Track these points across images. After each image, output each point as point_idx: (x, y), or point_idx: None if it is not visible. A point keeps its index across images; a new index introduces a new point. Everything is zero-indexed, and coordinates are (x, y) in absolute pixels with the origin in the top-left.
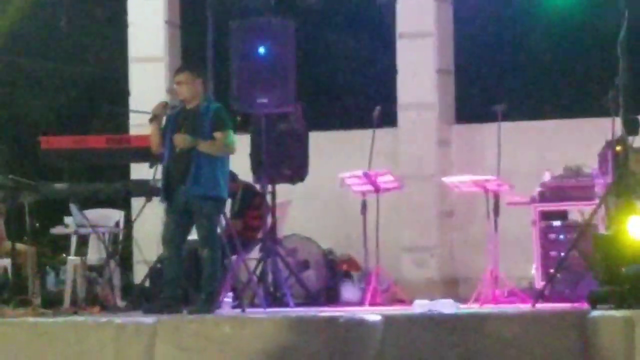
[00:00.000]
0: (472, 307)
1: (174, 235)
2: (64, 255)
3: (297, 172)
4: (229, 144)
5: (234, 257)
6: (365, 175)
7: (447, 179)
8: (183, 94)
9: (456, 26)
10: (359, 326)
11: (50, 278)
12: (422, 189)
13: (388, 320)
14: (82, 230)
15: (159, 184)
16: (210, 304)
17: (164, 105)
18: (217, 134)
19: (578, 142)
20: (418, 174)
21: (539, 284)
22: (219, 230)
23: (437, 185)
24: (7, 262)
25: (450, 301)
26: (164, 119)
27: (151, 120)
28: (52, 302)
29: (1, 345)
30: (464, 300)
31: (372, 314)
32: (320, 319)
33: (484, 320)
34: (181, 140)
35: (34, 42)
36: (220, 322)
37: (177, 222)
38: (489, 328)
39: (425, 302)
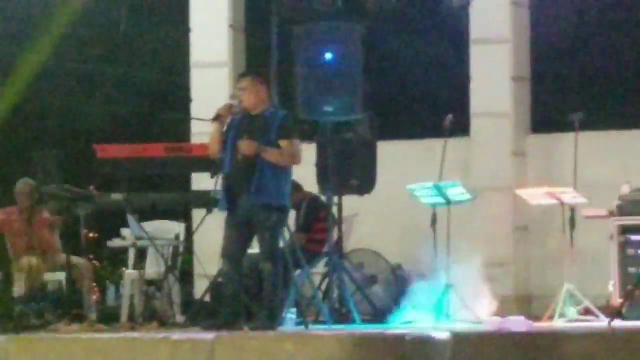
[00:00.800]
0: (545, 325)
1: (234, 248)
2: (124, 269)
3: (365, 183)
4: (295, 153)
5: (297, 272)
6: (435, 186)
7: (522, 191)
8: (245, 100)
9: (532, 31)
10: (426, 344)
11: (110, 292)
12: (496, 201)
13: (457, 337)
14: (140, 243)
15: (221, 195)
16: (272, 320)
17: (230, 106)
18: (283, 142)
19: None
20: (491, 185)
21: (616, 301)
22: (281, 243)
23: (512, 197)
24: (61, 275)
25: (522, 318)
26: (227, 123)
27: (214, 119)
28: (110, 317)
29: None
30: (536, 318)
31: (440, 332)
32: (386, 337)
33: (558, 339)
34: (246, 146)
35: (92, 46)
36: (282, 339)
37: (238, 234)
38: (562, 346)
39: (497, 319)
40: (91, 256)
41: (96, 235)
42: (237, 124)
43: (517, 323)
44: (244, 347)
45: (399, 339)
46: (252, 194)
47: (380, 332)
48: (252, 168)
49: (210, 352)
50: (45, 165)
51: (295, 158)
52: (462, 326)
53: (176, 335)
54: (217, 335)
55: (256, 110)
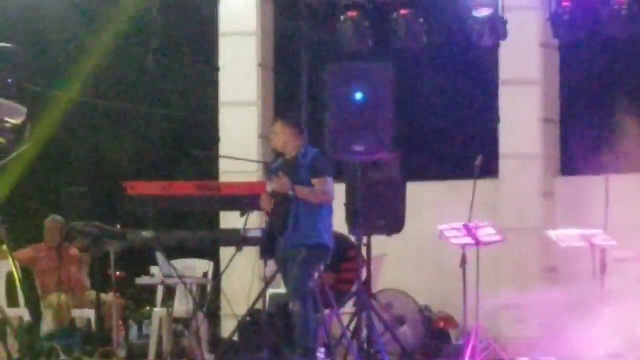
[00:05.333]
0: None
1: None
2: (148, 308)
3: (394, 223)
4: (327, 191)
5: (326, 312)
6: (466, 227)
7: (552, 233)
8: (276, 143)
9: (562, 74)
10: None
11: (133, 332)
12: (525, 243)
13: None
14: (169, 281)
15: (250, 234)
16: (305, 358)
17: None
18: (315, 181)
19: None
20: (520, 227)
21: None
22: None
23: (541, 239)
24: (90, 313)
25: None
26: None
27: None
28: (136, 356)
29: None
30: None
31: None
32: None
33: None
34: (278, 183)
35: (120, 84)
36: None
37: (285, 275)
38: None
39: None
40: (117, 294)
41: (123, 273)
42: (275, 170)
43: None
44: None
45: None
46: (289, 234)
47: None
48: (288, 209)
49: None
50: (73, 202)
51: (327, 196)
52: None
53: None
54: None
55: (290, 153)
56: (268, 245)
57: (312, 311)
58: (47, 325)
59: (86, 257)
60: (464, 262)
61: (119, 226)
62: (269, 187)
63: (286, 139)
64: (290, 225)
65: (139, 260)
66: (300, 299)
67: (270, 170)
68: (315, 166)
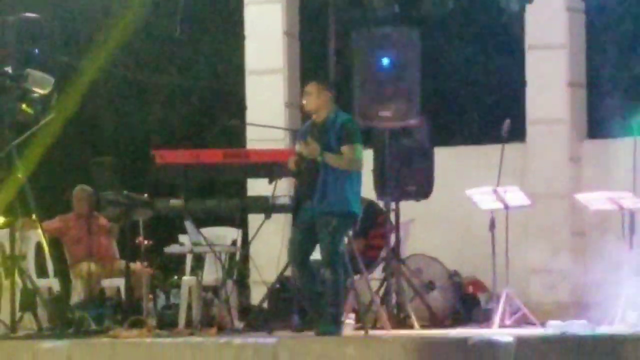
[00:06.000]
0: (607, 330)
1: (297, 251)
2: (175, 277)
3: (422, 189)
4: (355, 158)
5: (356, 277)
6: (494, 191)
7: (580, 196)
8: (309, 105)
9: (588, 37)
10: (490, 348)
11: (161, 301)
12: (553, 207)
13: (520, 341)
14: (198, 249)
15: (278, 201)
16: (335, 325)
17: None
18: (344, 148)
19: None
20: (548, 191)
21: None
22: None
23: (569, 203)
24: (119, 282)
25: (584, 322)
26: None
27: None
28: (165, 324)
29: None
30: (596, 324)
31: (503, 335)
32: (449, 341)
33: (621, 343)
34: (307, 148)
35: (148, 55)
36: (345, 343)
37: (302, 237)
38: (626, 351)
39: (559, 323)
40: (145, 263)
41: (150, 242)
42: (303, 133)
43: (581, 327)
44: (306, 352)
45: (463, 342)
46: (316, 201)
47: (443, 336)
48: (316, 174)
49: (273, 356)
50: (101, 172)
51: (354, 163)
52: (523, 331)
53: (238, 340)
54: (279, 339)
55: (320, 116)
56: (298, 211)
57: (341, 278)
58: (77, 294)
59: (114, 227)
60: (492, 226)
61: (147, 195)
62: (298, 148)
63: (319, 101)
64: (318, 191)
65: (167, 228)
66: (332, 267)
67: (299, 133)
68: (344, 133)
